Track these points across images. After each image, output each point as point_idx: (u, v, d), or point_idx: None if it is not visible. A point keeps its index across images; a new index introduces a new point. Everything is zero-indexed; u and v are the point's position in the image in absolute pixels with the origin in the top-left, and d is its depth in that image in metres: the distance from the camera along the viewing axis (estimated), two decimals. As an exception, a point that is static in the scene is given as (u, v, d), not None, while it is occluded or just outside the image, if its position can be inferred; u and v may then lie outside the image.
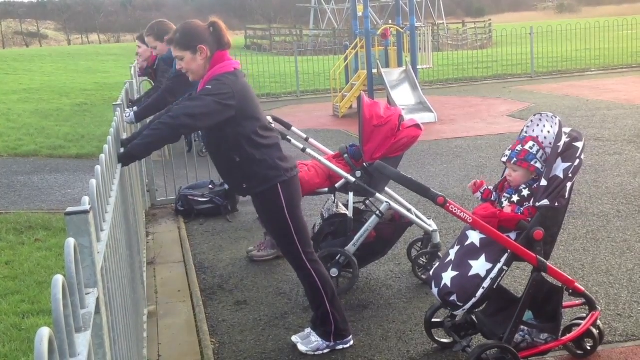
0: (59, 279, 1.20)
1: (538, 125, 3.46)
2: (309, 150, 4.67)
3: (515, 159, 3.33)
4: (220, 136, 3.51)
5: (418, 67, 13.57)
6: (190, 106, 3.38)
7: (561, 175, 3.19)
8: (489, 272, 3.20)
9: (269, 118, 4.83)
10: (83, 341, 1.33)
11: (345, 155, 4.66)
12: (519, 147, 3.36)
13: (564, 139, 3.25)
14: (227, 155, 3.56)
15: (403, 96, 12.63)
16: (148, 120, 5.99)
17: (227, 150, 3.54)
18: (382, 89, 13.12)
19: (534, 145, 3.33)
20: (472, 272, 3.22)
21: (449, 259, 3.39)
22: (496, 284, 3.23)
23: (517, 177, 3.35)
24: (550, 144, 3.32)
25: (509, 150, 3.42)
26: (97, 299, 1.65)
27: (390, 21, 21.59)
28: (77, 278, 1.39)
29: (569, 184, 3.22)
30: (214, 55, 3.51)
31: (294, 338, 3.86)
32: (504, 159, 3.42)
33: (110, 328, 1.93)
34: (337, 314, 3.72)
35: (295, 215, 3.62)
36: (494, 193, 3.52)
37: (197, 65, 3.50)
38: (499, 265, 3.21)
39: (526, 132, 3.52)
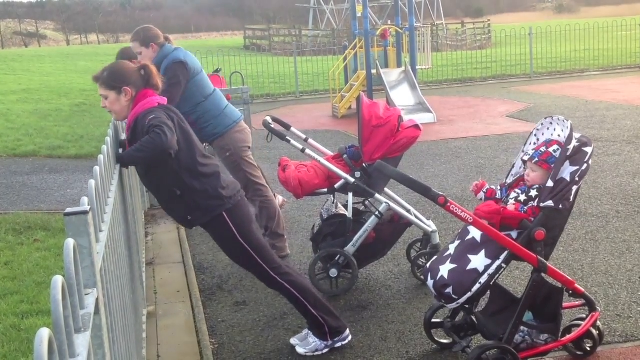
0: (58, 279, 1.20)
1: (548, 128, 3.46)
2: (308, 151, 4.66)
3: (537, 159, 3.33)
4: (159, 170, 3.45)
5: (417, 67, 13.58)
6: (168, 131, 3.24)
7: (568, 178, 3.19)
8: (487, 267, 3.20)
9: (268, 118, 4.84)
10: (82, 342, 1.32)
11: (345, 156, 4.65)
12: (543, 149, 3.35)
13: (574, 142, 3.25)
14: (167, 189, 3.52)
15: (402, 97, 12.64)
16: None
17: (167, 184, 3.50)
18: (381, 89, 13.12)
19: (558, 149, 3.32)
20: (470, 267, 3.22)
21: (447, 252, 3.39)
22: (493, 280, 3.23)
23: (535, 177, 3.34)
24: None
25: (532, 149, 3.41)
26: (97, 299, 1.65)
27: (389, 22, 21.60)
28: (76, 279, 1.39)
29: (574, 188, 3.22)
30: (138, 94, 3.45)
31: (293, 340, 3.86)
32: (526, 158, 3.41)
33: (109, 328, 1.93)
34: (326, 316, 3.71)
35: (250, 237, 3.59)
36: (500, 190, 3.51)
37: (121, 106, 3.44)
38: (497, 262, 3.21)
39: (536, 135, 3.52)
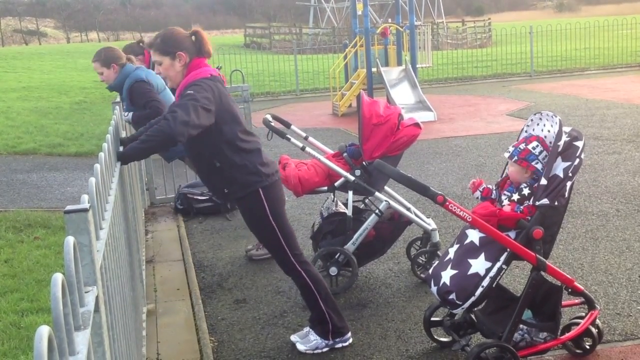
0: (58, 277, 1.20)
1: (538, 124, 3.46)
2: (308, 149, 4.66)
3: (516, 157, 3.34)
4: (200, 142, 3.49)
5: (417, 65, 13.57)
6: (184, 113, 3.30)
7: (561, 175, 3.20)
8: (488, 270, 3.21)
9: (268, 116, 4.84)
10: (82, 339, 1.33)
11: (345, 154, 4.65)
12: (522, 146, 3.36)
13: (564, 138, 3.26)
14: (207, 161, 3.56)
15: (402, 95, 12.63)
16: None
17: (207, 155, 3.54)
18: (381, 87, 13.12)
19: (537, 145, 3.32)
20: (471, 271, 3.22)
21: (448, 257, 3.39)
22: (495, 282, 3.23)
23: (513, 173, 3.37)
24: (551, 143, 3.32)
25: (512, 146, 3.42)
26: (97, 297, 1.65)
27: (389, 20, 21.59)
28: (76, 276, 1.39)
29: (568, 183, 3.22)
30: (191, 62, 3.51)
31: (293, 337, 3.86)
32: (506, 155, 3.42)
33: (109, 326, 1.93)
34: (333, 313, 3.72)
35: (280, 219, 3.63)
36: (494, 191, 3.52)
37: (175, 71, 3.51)
38: (498, 264, 3.21)
39: (526, 131, 3.52)
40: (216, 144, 3.49)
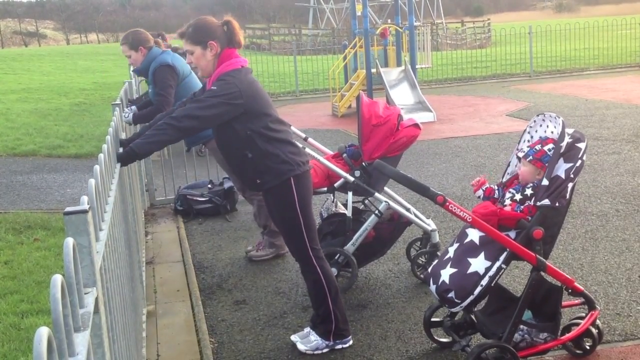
0: (57, 278, 1.20)
1: (541, 125, 3.47)
2: (308, 150, 4.66)
3: (531, 157, 3.33)
4: (231, 133, 3.52)
5: (417, 66, 13.57)
6: (195, 108, 3.37)
7: (563, 176, 3.20)
8: (487, 270, 3.21)
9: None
10: (82, 341, 1.33)
11: (344, 155, 4.65)
12: (538, 147, 3.36)
13: (567, 139, 3.25)
14: (239, 152, 3.57)
15: (402, 95, 12.63)
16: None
17: (239, 147, 3.55)
18: (381, 88, 13.11)
19: (553, 147, 3.32)
20: (470, 270, 3.22)
21: (447, 256, 3.39)
22: (494, 282, 3.23)
23: (525, 173, 3.35)
24: None
25: (527, 147, 3.42)
26: (96, 298, 1.65)
27: (389, 20, 21.60)
28: (75, 278, 1.39)
29: (570, 185, 3.22)
30: (222, 53, 3.53)
31: (293, 337, 3.86)
32: (521, 154, 3.41)
33: (109, 327, 1.93)
34: (339, 314, 3.72)
35: (306, 210, 3.62)
36: (497, 190, 3.51)
37: (206, 61, 3.53)
38: (497, 264, 3.21)
39: (529, 132, 3.53)
40: (247, 135, 3.50)
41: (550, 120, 3.41)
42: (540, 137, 3.46)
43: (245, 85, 3.47)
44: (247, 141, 3.51)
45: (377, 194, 4.53)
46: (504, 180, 3.57)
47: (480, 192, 3.57)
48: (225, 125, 3.48)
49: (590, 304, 3.53)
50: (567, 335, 3.45)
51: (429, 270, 3.49)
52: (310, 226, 3.64)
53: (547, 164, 3.28)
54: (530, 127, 3.53)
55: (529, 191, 3.31)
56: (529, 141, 3.51)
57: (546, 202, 3.17)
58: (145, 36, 5.60)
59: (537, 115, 3.50)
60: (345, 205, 4.68)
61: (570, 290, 3.46)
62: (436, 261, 3.54)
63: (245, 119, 3.46)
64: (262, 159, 3.53)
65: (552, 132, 3.40)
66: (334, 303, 3.70)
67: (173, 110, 3.86)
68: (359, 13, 13.53)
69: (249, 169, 3.60)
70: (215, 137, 3.71)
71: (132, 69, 5.83)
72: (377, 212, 4.48)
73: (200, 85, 5.27)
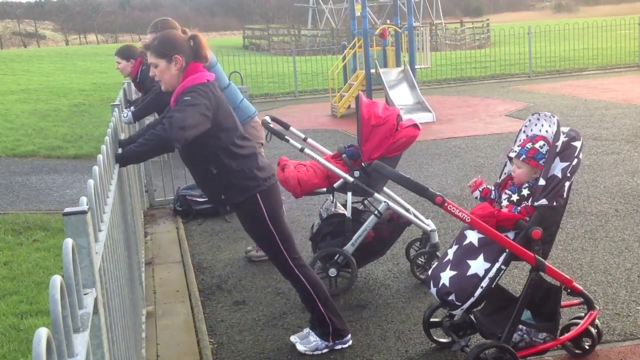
0: (57, 279, 1.20)
1: (536, 124, 3.46)
2: (307, 150, 4.67)
3: (524, 156, 3.33)
4: (196, 148, 3.47)
5: (416, 66, 13.57)
6: (181, 118, 3.27)
7: (559, 175, 3.20)
8: (487, 271, 3.21)
9: (267, 118, 4.84)
10: (81, 341, 1.33)
11: (344, 155, 4.65)
12: (529, 145, 3.35)
13: (562, 138, 3.26)
14: (204, 167, 3.54)
15: (401, 96, 12.63)
16: (146, 120, 5.98)
17: (203, 162, 3.52)
18: (380, 88, 13.12)
19: (544, 144, 3.33)
20: (470, 272, 3.22)
21: (447, 258, 3.39)
22: (494, 283, 3.23)
23: (521, 174, 3.35)
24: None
25: (518, 146, 3.41)
26: (95, 299, 1.65)
27: (388, 21, 21.59)
28: (75, 278, 1.39)
29: (567, 184, 3.22)
30: (187, 66, 3.47)
31: (293, 338, 3.86)
32: (512, 154, 3.41)
33: (108, 328, 1.93)
34: (332, 316, 3.72)
35: (278, 223, 3.62)
36: (494, 191, 3.52)
37: (170, 75, 3.46)
38: (497, 265, 3.21)
39: (524, 132, 3.52)
40: (212, 150, 3.47)
41: (545, 120, 3.41)
42: (529, 136, 3.46)
43: (213, 99, 3.43)
44: (212, 157, 3.49)
45: (376, 195, 4.53)
46: (499, 180, 3.57)
47: (477, 193, 3.57)
48: (191, 140, 3.41)
49: (589, 304, 3.53)
50: (566, 335, 3.45)
51: (429, 273, 3.50)
52: (285, 237, 3.64)
53: (541, 162, 3.28)
54: (526, 126, 3.53)
55: (525, 191, 3.31)
56: (522, 140, 3.51)
57: (544, 202, 3.17)
58: (172, 24, 5.55)
59: (532, 115, 3.50)
60: (344, 206, 4.69)
61: (569, 290, 3.46)
62: (436, 264, 3.54)
63: (211, 134, 3.41)
64: (227, 175, 3.51)
65: (546, 131, 3.40)
66: (325, 307, 3.70)
67: (162, 118, 3.83)
68: (358, 13, 13.53)
69: (213, 184, 3.59)
70: (180, 151, 3.65)
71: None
72: (376, 212, 4.48)
73: (226, 79, 5.26)
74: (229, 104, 5.08)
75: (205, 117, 3.35)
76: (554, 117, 3.33)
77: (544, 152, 3.30)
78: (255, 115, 5.26)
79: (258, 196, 3.55)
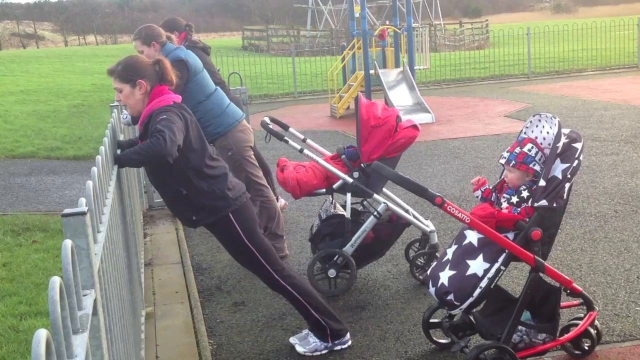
0: (56, 280, 1.20)
1: (537, 126, 3.47)
2: (306, 151, 4.67)
3: (513, 162, 3.34)
4: (165, 169, 3.43)
5: (415, 67, 13.58)
6: (172, 134, 3.21)
7: (560, 176, 3.20)
8: (486, 271, 3.21)
9: (266, 119, 4.84)
10: (80, 343, 1.33)
11: (343, 156, 4.66)
12: (517, 150, 3.36)
13: (563, 139, 3.26)
14: (174, 188, 3.52)
15: (400, 97, 12.64)
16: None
17: (172, 183, 3.50)
18: (379, 89, 13.12)
19: (532, 147, 3.33)
20: (469, 272, 3.22)
21: (446, 258, 3.39)
22: (493, 283, 3.23)
23: (514, 179, 3.36)
24: (550, 144, 3.32)
25: (507, 152, 3.42)
26: (95, 300, 1.65)
27: (387, 22, 21.62)
28: (74, 280, 1.39)
29: (567, 185, 3.22)
30: (153, 90, 3.45)
31: (292, 339, 3.86)
32: (502, 161, 3.42)
33: (107, 329, 1.93)
34: (327, 319, 3.71)
35: (255, 238, 3.60)
36: (493, 194, 3.52)
37: (135, 99, 3.44)
38: (496, 265, 3.21)
39: (525, 133, 3.52)
40: (182, 171, 3.44)
41: (546, 121, 3.42)
42: (517, 140, 3.47)
43: (183, 120, 3.40)
44: (182, 178, 3.46)
45: (375, 195, 4.53)
46: (496, 183, 3.57)
47: (478, 193, 3.57)
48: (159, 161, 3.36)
49: (588, 305, 3.53)
50: (566, 336, 3.45)
51: (428, 272, 3.49)
52: (265, 251, 3.62)
53: (531, 165, 3.29)
54: (527, 127, 3.53)
55: (525, 193, 3.31)
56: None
57: (543, 202, 3.18)
58: (158, 31, 5.56)
59: (533, 116, 3.50)
60: (344, 207, 4.69)
61: (568, 291, 3.47)
62: (435, 263, 3.54)
63: (181, 154, 3.36)
64: (197, 196, 3.49)
65: (547, 133, 3.40)
66: (318, 312, 3.70)
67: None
68: (357, 14, 13.54)
69: (184, 206, 3.57)
70: (148, 172, 3.64)
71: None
72: (375, 213, 4.48)
73: (213, 85, 5.23)
74: (216, 109, 5.10)
75: (182, 135, 3.33)
76: (555, 118, 3.33)
77: (533, 155, 3.31)
78: (242, 119, 5.25)
79: (230, 216, 3.53)
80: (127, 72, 3.43)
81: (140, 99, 3.45)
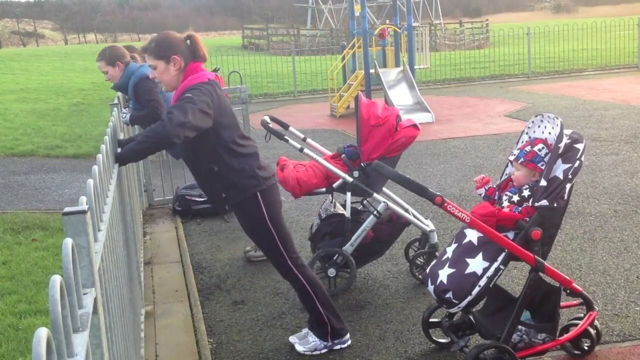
0: (56, 279, 1.20)
1: (539, 126, 3.47)
2: (306, 151, 4.66)
3: (522, 159, 3.33)
4: (198, 146, 3.48)
5: (415, 67, 13.58)
6: (181, 115, 3.30)
7: (561, 176, 3.20)
8: (485, 270, 3.21)
9: (266, 118, 4.83)
10: (81, 341, 1.32)
11: (343, 156, 4.65)
12: (527, 148, 3.36)
13: (565, 140, 3.26)
14: (205, 165, 3.55)
15: (400, 96, 12.64)
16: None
17: (205, 160, 3.53)
18: (379, 89, 13.12)
19: (543, 147, 3.33)
20: (468, 270, 3.22)
21: (445, 256, 3.39)
22: (492, 282, 3.23)
23: (520, 177, 3.35)
24: (551, 145, 3.32)
25: (517, 149, 3.42)
26: (95, 299, 1.64)
27: (387, 21, 21.60)
28: (74, 278, 1.38)
29: (568, 185, 3.22)
30: (187, 67, 3.49)
31: (292, 338, 3.86)
32: (511, 157, 3.42)
33: (107, 328, 1.93)
34: (331, 315, 3.72)
35: (277, 223, 3.62)
36: (497, 192, 3.52)
37: (170, 76, 3.48)
38: (495, 264, 3.21)
39: (527, 133, 3.52)
40: (214, 148, 3.48)
41: (548, 121, 3.42)
42: (530, 138, 3.47)
43: (215, 97, 3.44)
44: (213, 155, 3.50)
45: (375, 195, 4.53)
46: (500, 181, 3.57)
47: (482, 191, 3.56)
48: (193, 137, 3.41)
49: (588, 305, 3.53)
50: (566, 336, 3.45)
51: (427, 270, 3.49)
52: (284, 237, 3.64)
53: (539, 165, 3.29)
54: (529, 127, 3.53)
55: (526, 192, 3.31)
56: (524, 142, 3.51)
57: (544, 202, 3.18)
58: (122, 51, 5.60)
59: (536, 116, 3.50)
60: (343, 206, 4.68)
61: (568, 291, 3.47)
62: (434, 261, 3.54)
63: (212, 132, 3.42)
64: (228, 173, 3.52)
65: (549, 133, 3.40)
66: (323, 306, 3.70)
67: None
68: (357, 13, 13.54)
69: (214, 182, 3.59)
70: (182, 149, 3.66)
71: (111, 85, 5.80)
72: (375, 212, 4.48)
73: None
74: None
75: (206, 115, 3.35)
76: (557, 118, 3.33)
77: (543, 155, 3.30)
78: None
79: (258, 195, 3.55)
80: (161, 48, 3.47)
81: (175, 75, 3.49)
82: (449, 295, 3.24)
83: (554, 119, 3.36)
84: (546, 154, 3.33)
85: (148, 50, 3.48)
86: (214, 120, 3.40)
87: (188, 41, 3.53)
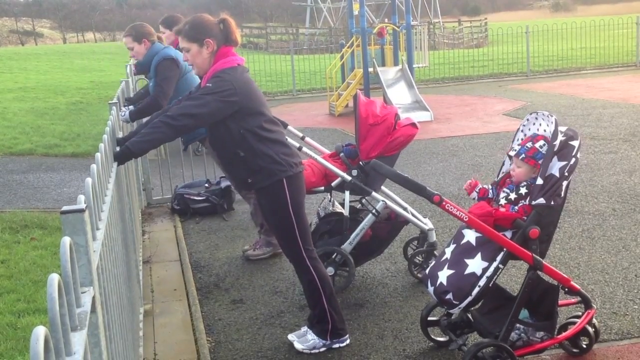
0: (54, 277, 1.20)
1: (534, 124, 3.47)
2: (305, 149, 4.67)
3: (523, 155, 3.33)
4: (224, 132, 3.51)
5: (414, 65, 13.57)
6: (190, 106, 3.37)
7: (557, 174, 3.20)
8: (484, 270, 3.21)
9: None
10: (79, 340, 1.33)
11: (341, 154, 4.66)
12: (529, 144, 3.35)
13: (560, 137, 3.26)
14: (231, 150, 3.56)
15: (399, 95, 12.63)
16: (144, 119, 5.96)
17: (231, 145, 3.54)
18: (378, 87, 13.12)
19: (544, 144, 3.33)
20: (468, 271, 3.22)
21: (444, 257, 3.40)
22: (492, 282, 3.23)
23: (520, 173, 3.35)
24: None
25: (518, 145, 3.42)
26: (93, 297, 1.65)
27: (386, 20, 21.60)
28: (72, 277, 1.39)
29: (564, 183, 3.22)
30: (219, 50, 3.53)
31: (290, 336, 3.86)
32: (512, 153, 3.41)
33: (106, 327, 1.93)
34: (335, 313, 3.72)
35: (299, 211, 3.62)
36: (492, 190, 3.51)
37: (202, 59, 3.52)
38: (494, 264, 3.21)
39: (522, 131, 3.53)
40: (240, 133, 3.49)
41: (543, 119, 3.42)
42: (531, 135, 3.46)
43: (241, 83, 3.46)
44: (240, 140, 3.51)
45: (374, 193, 4.53)
46: (498, 179, 3.57)
47: (474, 194, 3.56)
48: (219, 123, 3.48)
49: (586, 303, 3.53)
50: (564, 334, 3.46)
51: (427, 272, 3.49)
52: (303, 227, 3.64)
53: (540, 161, 3.28)
54: (524, 125, 3.53)
55: (523, 190, 3.31)
56: (521, 139, 3.51)
57: (541, 201, 3.18)
58: (149, 29, 5.60)
59: (530, 114, 3.51)
60: (342, 205, 4.69)
61: (566, 289, 3.47)
62: (433, 263, 3.54)
63: (239, 117, 3.45)
64: (255, 158, 3.53)
65: (544, 131, 3.40)
66: (329, 303, 3.70)
67: (169, 108, 3.85)
68: (356, 12, 13.53)
69: (240, 167, 3.60)
70: (208, 134, 3.71)
71: (132, 61, 5.82)
72: (374, 211, 4.48)
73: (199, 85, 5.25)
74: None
75: (227, 103, 3.39)
76: (552, 116, 3.33)
77: (544, 152, 3.30)
78: None
79: (284, 181, 3.55)
80: (195, 30, 3.50)
81: (207, 58, 3.52)
82: (449, 296, 3.24)
83: (548, 116, 3.37)
84: (547, 151, 3.32)
85: (182, 32, 3.52)
86: (240, 105, 3.43)
87: (221, 25, 3.56)
